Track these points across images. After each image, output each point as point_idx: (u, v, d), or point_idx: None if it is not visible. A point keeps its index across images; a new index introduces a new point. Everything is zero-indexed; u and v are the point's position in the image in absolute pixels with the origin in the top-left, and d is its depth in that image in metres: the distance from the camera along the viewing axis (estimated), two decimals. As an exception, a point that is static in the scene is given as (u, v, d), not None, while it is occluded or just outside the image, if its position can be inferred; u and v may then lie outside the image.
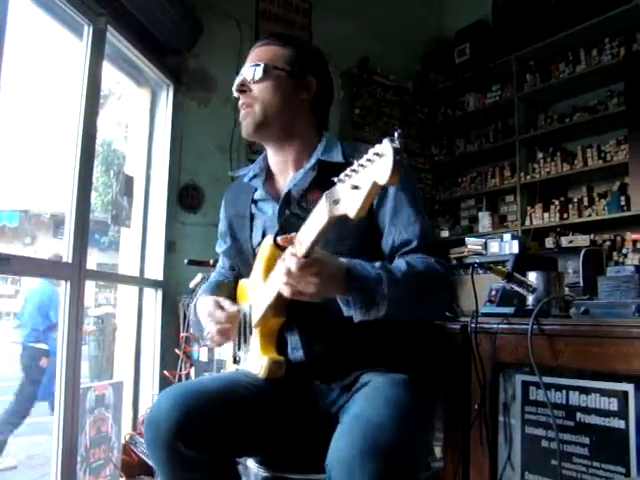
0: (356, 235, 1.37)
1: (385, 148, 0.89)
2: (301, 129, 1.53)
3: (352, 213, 0.96)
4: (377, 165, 0.90)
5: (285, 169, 1.56)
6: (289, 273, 1.16)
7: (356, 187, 0.94)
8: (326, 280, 1.19)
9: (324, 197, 1.04)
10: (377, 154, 0.90)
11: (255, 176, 1.60)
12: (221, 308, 1.49)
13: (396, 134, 0.89)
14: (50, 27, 2.93)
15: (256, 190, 1.60)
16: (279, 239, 1.22)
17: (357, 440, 1.10)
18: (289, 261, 1.16)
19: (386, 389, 1.28)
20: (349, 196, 0.96)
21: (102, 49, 2.89)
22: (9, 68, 2.23)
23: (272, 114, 1.48)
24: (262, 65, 1.48)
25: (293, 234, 1.18)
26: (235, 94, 1.53)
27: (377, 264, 1.26)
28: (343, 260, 1.24)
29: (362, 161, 0.93)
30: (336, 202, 1.00)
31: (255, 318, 1.42)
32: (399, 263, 1.30)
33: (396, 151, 0.87)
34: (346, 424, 1.19)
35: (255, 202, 1.60)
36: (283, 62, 1.49)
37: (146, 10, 3.22)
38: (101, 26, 2.85)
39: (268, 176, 1.60)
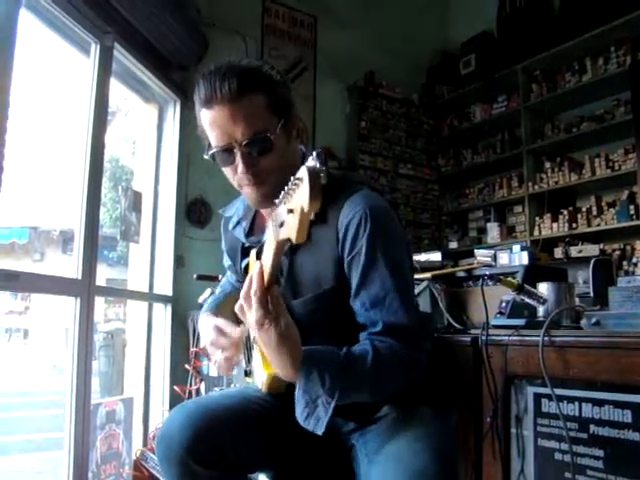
0: (330, 302, 1.29)
1: (302, 172, 0.86)
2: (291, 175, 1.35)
3: (293, 237, 0.92)
4: (301, 190, 0.88)
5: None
6: (243, 296, 1.13)
7: (291, 211, 0.92)
8: (274, 350, 1.14)
9: (270, 221, 1.01)
10: (298, 179, 0.88)
11: (239, 222, 1.51)
12: (223, 334, 1.43)
13: (314, 154, 0.87)
14: (58, 45, 2.95)
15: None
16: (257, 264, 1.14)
17: None
18: (247, 284, 1.12)
19: (415, 425, 1.26)
20: (288, 219, 0.93)
21: (109, 66, 2.91)
22: (18, 86, 2.25)
23: (283, 177, 1.18)
24: (262, 135, 1.26)
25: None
26: (240, 171, 1.29)
27: (342, 353, 1.18)
28: (305, 349, 1.16)
29: (290, 184, 0.91)
30: (281, 225, 0.97)
31: (253, 333, 1.41)
32: (365, 351, 1.20)
33: (311, 175, 0.84)
34: (383, 465, 1.18)
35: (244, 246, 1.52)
36: (269, 117, 1.28)
37: (152, 27, 3.25)
38: (108, 43, 2.87)
39: (254, 214, 1.49)
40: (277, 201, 0.97)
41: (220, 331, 1.42)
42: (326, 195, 1.28)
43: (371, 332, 1.25)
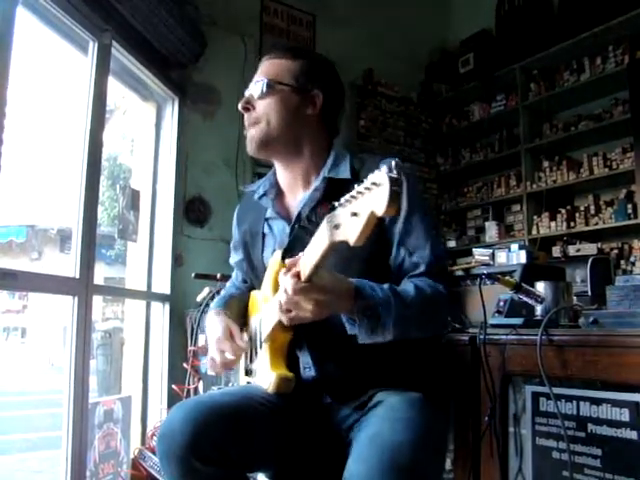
0: (367, 254, 1.34)
1: (382, 178, 0.87)
2: (309, 145, 1.51)
3: (352, 240, 0.94)
4: (374, 194, 0.88)
5: (294, 186, 1.54)
6: (286, 296, 1.17)
7: (355, 214, 0.92)
8: (328, 304, 1.18)
9: (325, 221, 1.02)
10: (374, 183, 0.88)
11: (265, 194, 1.58)
12: (231, 338, 1.47)
13: (393, 163, 0.88)
14: (56, 44, 2.96)
15: (267, 208, 1.59)
16: (287, 262, 1.21)
17: (375, 462, 1.11)
18: (286, 283, 1.16)
19: (401, 409, 1.27)
20: (349, 222, 0.94)
21: (107, 64, 2.91)
22: (16, 85, 2.25)
23: (277, 131, 1.46)
24: (266, 81, 1.46)
25: (299, 255, 1.17)
26: (241, 111, 1.51)
27: (386, 287, 1.25)
28: (352, 280, 1.23)
29: (361, 188, 0.91)
30: (337, 227, 0.98)
31: (264, 333, 1.42)
32: (408, 287, 1.30)
33: (392, 181, 0.85)
34: (362, 445, 1.19)
35: (267, 219, 1.58)
36: (288, 77, 1.47)
37: (150, 25, 3.24)
38: (106, 42, 2.87)
39: (278, 193, 1.58)
40: (336, 204, 0.98)
41: (230, 335, 1.48)
42: (359, 159, 1.46)
43: (412, 275, 1.36)
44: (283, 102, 1.46)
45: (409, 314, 1.25)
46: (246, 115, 1.50)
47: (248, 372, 1.59)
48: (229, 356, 1.44)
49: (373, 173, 0.89)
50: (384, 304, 1.22)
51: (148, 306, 3.62)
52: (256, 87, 1.47)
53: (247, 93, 1.50)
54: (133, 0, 2.99)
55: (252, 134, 1.48)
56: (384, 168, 0.87)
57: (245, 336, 1.51)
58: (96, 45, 2.84)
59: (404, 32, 5.10)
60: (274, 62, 1.50)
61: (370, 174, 0.90)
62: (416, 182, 1.50)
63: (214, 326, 1.53)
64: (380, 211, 0.87)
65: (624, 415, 1.40)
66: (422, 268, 1.36)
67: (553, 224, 4.54)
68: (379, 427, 1.23)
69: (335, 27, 4.66)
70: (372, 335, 1.22)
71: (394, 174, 0.86)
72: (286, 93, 1.46)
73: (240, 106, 1.50)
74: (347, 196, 0.95)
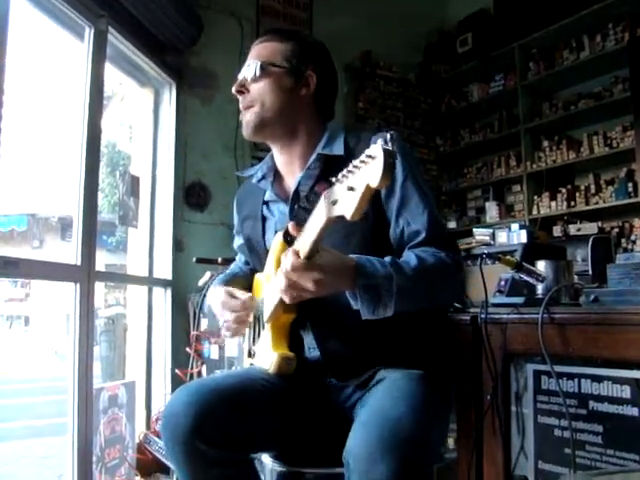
0: (366, 230, 1.36)
1: (377, 150, 0.88)
2: (305, 126, 1.51)
3: (348, 214, 0.95)
4: (369, 167, 0.90)
5: (292, 168, 1.55)
6: (286, 274, 1.17)
7: (351, 188, 0.94)
8: (329, 282, 1.18)
9: (322, 197, 1.04)
10: (370, 156, 0.90)
11: (263, 177, 1.59)
12: (234, 297, 1.51)
13: (388, 136, 0.89)
14: (51, 30, 2.93)
15: (266, 191, 1.59)
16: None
17: (375, 435, 1.11)
18: (286, 261, 1.16)
19: (402, 385, 1.28)
20: (345, 197, 0.96)
21: (104, 50, 2.89)
22: (12, 72, 2.24)
23: (271, 114, 1.46)
24: (259, 63, 1.46)
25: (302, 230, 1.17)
26: (234, 94, 1.52)
27: (387, 260, 1.25)
28: (352, 257, 1.23)
29: (357, 162, 0.92)
30: (334, 203, 1.00)
31: (266, 313, 1.43)
32: (409, 258, 1.29)
33: (387, 153, 0.87)
34: (363, 418, 1.20)
35: (266, 203, 1.59)
36: (281, 58, 1.47)
37: (146, 10, 3.22)
38: (102, 27, 2.85)
39: (276, 175, 1.58)
40: (334, 180, 0.99)
41: (231, 294, 1.53)
42: (353, 134, 1.45)
43: (412, 245, 1.36)
44: (277, 84, 1.46)
45: (412, 286, 1.24)
46: (240, 98, 1.50)
47: (251, 354, 1.60)
48: (238, 313, 1.49)
49: (369, 148, 0.90)
50: (385, 279, 1.21)
51: (150, 292, 3.63)
52: (249, 70, 1.47)
53: (240, 76, 1.50)
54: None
55: (247, 118, 1.48)
56: (379, 141, 0.89)
57: (248, 294, 1.52)
58: (92, 31, 2.82)
59: (402, 13, 5.05)
60: (265, 45, 1.51)
61: (366, 149, 0.90)
62: (411, 154, 1.48)
63: (215, 296, 1.57)
64: (375, 183, 0.88)
65: (625, 392, 1.40)
66: (422, 235, 1.35)
67: (553, 204, 4.54)
68: (380, 402, 1.24)
69: (332, 9, 4.62)
70: (375, 311, 1.22)
71: (389, 146, 0.88)
72: (279, 75, 1.47)
73: (234, 89, 1.50)
74: (344, 171, 0.96)
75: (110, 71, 3.23)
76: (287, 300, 1.23)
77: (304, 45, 1.53)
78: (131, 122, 4.60)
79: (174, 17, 3.47)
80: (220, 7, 4.03)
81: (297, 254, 1.16)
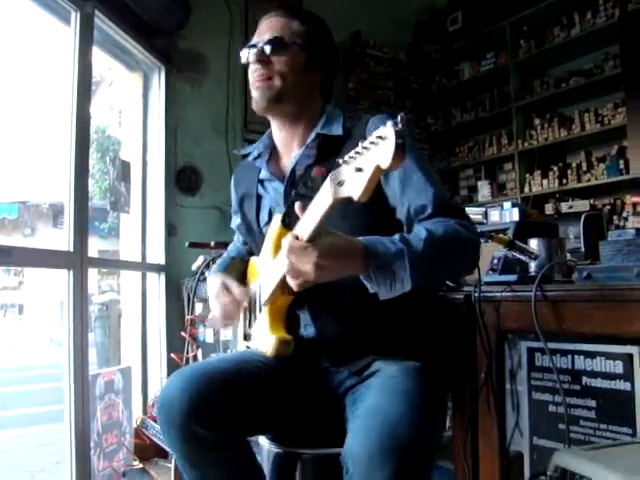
0: (370, 210, 1.31)
1: (388, 131, 0.87)
2: (310, 107, 1.52)
3: (356, 195, 0.94)
4: (380, 148, 0.88)
5: (290, 146, 1.55)
6: (289, 256, 1.15)
7: (360, 169, 0.93)
8: (334, 266, 1.16)
9: (329, 179, 1.02)
10: (380, 137, 0.88)
11: (259, 155, 1.59)
12: (227, 291, 1.51)
13: (399, 117, 0.88)
14: (37, 15, 2.90)
15: (261, 170, 1.59)
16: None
17: (375, 438, 1.10)
18: (289, 244, 1.15)
19: (399, 380, 1.28)
20: (353, 178, 0.95)
21: (91, 35, 2.86)
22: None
23: (289, 90, 1.46)
24: (284, 38, 1.46)
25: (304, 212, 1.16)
26: (251, 63, 1.48)
27: (396, 237, 1.22)
28: (361, 239, 1.21)
29: (366, 143, 0.91)
30: (340, 184, 0.99)
31: (264, 297, 1.43)
32: (418, 231, 1.26)
33: (398, 134, 0.85)
34: (362, 419, 1.19)
35: (261, 182, 1.59)
36: (301, 39, 1.48)
37: (133, -8, 3.18)
38: (88, 11, 2.81)
39: (273, 154, 1.58)
40: (340, 161, 0.98)
41: (225, 288, 1.53)
42: (350, 116, 1.46)
43: (421, 218, 1.33)
44: (297, 62, 1.46)
45: (425, 258, 1.21)
46: (259, 68, 1.46)
47: (246, 337, 1.61)
48: (228, 308, 1.49)
49: (370, 129, 0.89)
50: (397, 255, 1.19)
51: (144, 277, 3.63)
52: (271, 42, 1.45)
53: (258, 45, 1.47)
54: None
55: (264, 91, 1.46)
56: (389, 123, 0.87)
57: (242, 289, 1.52)
58: (78, 15, 2.78)
59: (391, -8, 5.03)
60: (284, 20, 1.50)
61: (374, 130, 0.90)
62: (410, 133, 1.44)
63: (212, 285, 1.58)
64: (386, 164, 0.87)
65: (618, 367, 1.42)
66: (430, 209, 1.32)
67: (545, 182, 4.55)
68: (377, 400, 1.23)
69: (321, -11, 4.58)
70: (393, 288, 1.19)
71: (400, 127, 0.86)
72: (299, 53, 1.47)
73: (254, 58, 1.46)
74: (352, 152, 0.95)
75: (98, 55, 3.20)
76: (295, 288, 1.21)
77: (321, 29, 1.54)
78: (120, 107, 4.56)
79: (161, 0, 3.43)
80: (208, -11, 3.98)
81: (297, 237, 1.15)
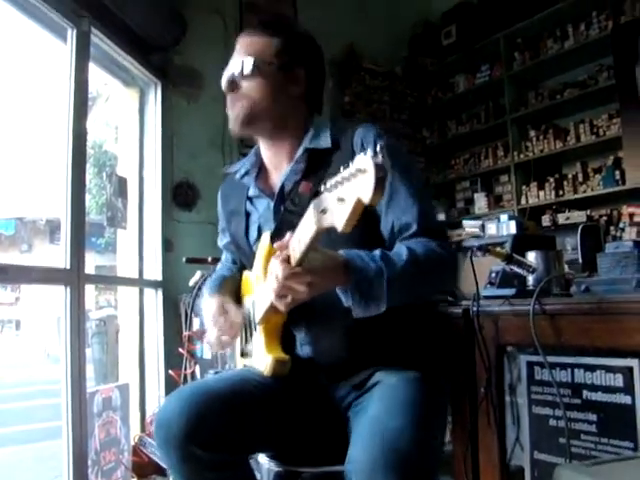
0: (357, 232, 1.33)
1: (368, 164, 0.85)
2: (293, 122, 1.49)
3: (339, 226, 0.93)
4: (360, 181, 0.87)
5: (279, 162, 1.53)
6: (278, 282, 1.16)
7: (342, 200, 0.91)
8: (321, 283, 1.17)
9: (312, 206, 1.01)
10: (360, 170, 0.87)
11: (247, 172, 1.57)
12: (225, 314, 1.49)
13: (378, 147, 0.86)
14: (34, 32, 2.91)
15: (249, 187, 1.58)
16: (275, 245, 1.20)
17: (377, 450, 1.10)
18: (277, 269, 1.15)
19: (400, 390, 1.27)
20: (336, 208, 0.93)
21: (87, 51, 2.87)
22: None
23: (261, 110, 1.44)
24: (251, 59, 1.42)
25: (287, 236, 1.16)
26: (224, 90, 1.49)
27: (377, 254, 1.23)
28: (341, 252, 1.21)
29: (347, 173, 0.90)
30: (323, 212, 0.97)
31: (258, 315, 1.42)
32: (400, 250, 1.26)
33: (378, 168, 0.84)
34: (363, 429, 1.19)
35: (249, 199, 1.58)
36: (271, 55, 1.44)
37: (129, 9, 3.19)
38: (84, 28, 2.82)
39: (261, 171, 1.57)
40: (322, 188, 0.97)
41: (223, 310, 1.50)
42: (337, 127, 1.44)
43: (404, 237, 1.33)
44: (269, 82, 1.44)
45: (403, 278, 1.22)
46: (230, 95, 1.47)
47: (244, 354, 1.60)
48: (224, 331, 1.47)
49: (358, 155, 0.88)
50: (376, 272, 1.19)
51: (141, 293, 3.61)
52: (239, 66, 1.44)
53: (229, 72, 1.47)
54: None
55: (237, 112, 1.46)
56: (369, 152, 0.85)
57: (238, 311, 1.51)
58: (74, 32, 2.79)
59: (386, 6, 5.06)
60: (255, 39, 1.47)
61: (356, 157, 0.88)
62: (398, 148, 1.45)
63: (208, 307, 1.55)
64: (366, 199, 0.86)
65: (618, 380, 1.41)
66: (414, 227, 1.32)
67: (542, 193, 4.56)
68: (378, 411, 1.22)
69: (316, 4, 4.60)
70: (367, 307, 1.20)
71: (379, 159, 0.85)
72: (271, 72, 1.44)
73: (225, 86, 1.47)
74: (332, 180, 0.93)
75: (94, 72, 3.20)
76: (281, 308, 1.22)
77: (294, 39, 1.50)
78: (117, 122, 4.57)
79: (157, 16, 3.45)
80: (203, 5, 3.99)
81: (287, 261, 1.14)
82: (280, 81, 1.45)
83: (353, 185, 0.88)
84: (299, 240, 1.11)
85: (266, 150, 1.56)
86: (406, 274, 1.23)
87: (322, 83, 1.57)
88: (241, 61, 1.44)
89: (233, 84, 1.46)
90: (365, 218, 1.35)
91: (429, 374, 1.36)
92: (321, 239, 1.14)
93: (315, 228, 1.02)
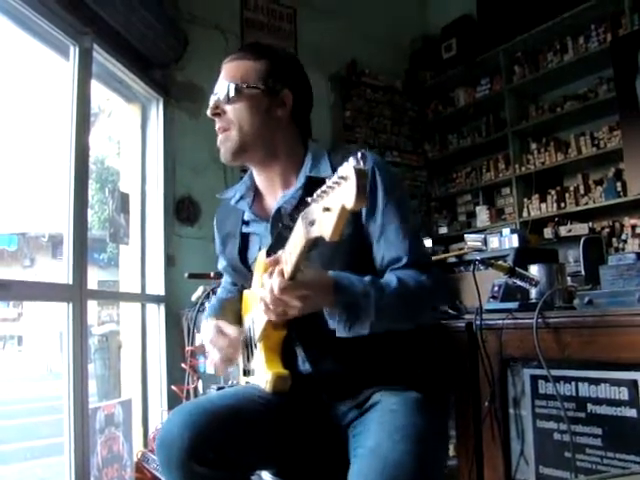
0: (349, 251, 1.35)
1: (348, 171, 0.86)
2: (284, 145, 1.48)
3: (327, 235, 0.93)
4: (343, 188, 0.87)
5: (272, 188, 1.52)
6: (273, 295, 1.16)
7: (328, 209, 0.92)
8: (312, 299, 1.19)
9: (300, 218, 1.02)
10: (342, 177, 0.87)
11: (242, 197, 1.57)
12: (223, 334, 1.48)
13: (359, 154, 0.87)
14: (36, 49, 2.92)
15: (244, 211, 1.57)
16: (267, 260, 1.21)
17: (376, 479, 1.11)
18: (273, 282, 1.16)
19: (400, 415, 1.27)
20: (322, 218, 0.94)
21: (89, 68, 2.89)
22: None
23: (250, 137, 1.43)
24: (234, 84, 1.41)
25: (280, 252, 1.17)
26: (209, 115, 1.48)
27: (367, 279, 1.25)
28: (331, 273, 1.23)
29: (331, 182, 0.90)
30: (311, 223, 0.98)
31: (257, 333, 1.42)
32: (390, 279, 1.29)
33: (359, 174, 0.84)
34: (363, 460, 1.19)
35: (246, 223, 1.57)
36: (256, 79, 1.43)
37: (130, 26, 3.22)
38: (87, 45, 2.84)
39: (256, 195, 1.56)
40: (309, 199, 0.98)
41: (220, 331, 1.49)
42: (335, 154, 1.43)
43: (394, 267, 1.35)
44: (253, 106, 1.43)
45: (389, 307, 1.24)
46: (217, 121, 1.46)
47: (246, 372, 1.59)
48: (225, 352, 1.47)
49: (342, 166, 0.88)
50: (363, 296, 1.21)
51: (143, 308, 3.61)
52: (223, 91, 1.43)
53: (214, 97, 1.46)
54: (112, 1, 2.97)
55: (226, 144, 1.45)
56: (351, 160, 0.86)
57: (237, 329, 1.50)
58: (77, 49, 2.81)
59: (386, 20, 5.10)
60: (238, 64, 1.46)
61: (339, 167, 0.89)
62: (390, 173, 1.44)
63: (206, 331, 1.54)
64: (350, 204, 0.86)
65: (623, 394, 1.40)
66: (404, 261, 1.34)
67: (543, 206, 4.56)
68: (379, 438, 1.23)
69: (316, 19, 4.64)
70: (351, 328, 1.22)
71: (360, 166, 0.85)
72: (255, 96, 1.43)
73: (209, 112, 1.46)
74: (318, 191, 0.94)
75: (96, 88, 3.22)
76: (272, 318, 1.24)
77: (278, 62, 1.48)
78: (119, 138, 4.58)
79: (158, 32, 3.47)
80: (204, 21, 4.03)
81: (282, 274, 1.15)
82: (266, 104, 1.44)
83: (337, 193, 0.89)
84: (290, 253, 1.11)
85: (259, 175, 1.55)
86: (393, 302, 1.25)
87: (310, 105, 1.56)
88: (226, 85, 1.43)
89: (218, 109, 1.45)
90: (358, 247, 1.36)
91: (430, 394, 1.35)
92: (317, 263, 1.17)
93: (304, 240, 1.02)
